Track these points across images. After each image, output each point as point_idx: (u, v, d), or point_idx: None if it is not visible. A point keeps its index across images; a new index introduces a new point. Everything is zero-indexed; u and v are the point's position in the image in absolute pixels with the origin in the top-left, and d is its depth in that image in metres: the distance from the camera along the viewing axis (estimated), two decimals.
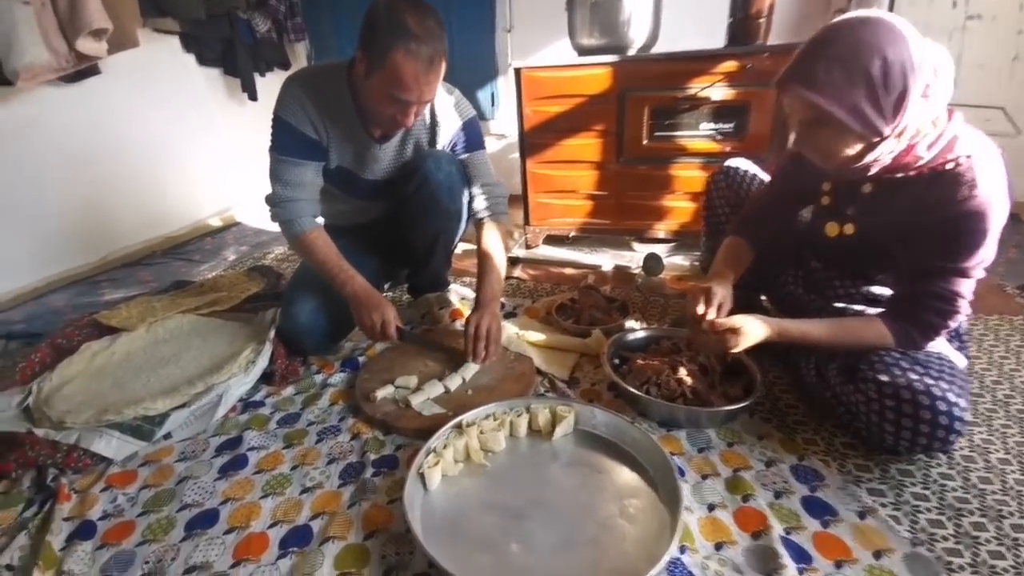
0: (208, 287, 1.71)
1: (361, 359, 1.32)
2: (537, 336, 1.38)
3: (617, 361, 1.24)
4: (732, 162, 1.35)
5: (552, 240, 2.15)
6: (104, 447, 0.99)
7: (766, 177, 1.33)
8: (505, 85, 2.73)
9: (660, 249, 1.99)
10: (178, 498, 0.90)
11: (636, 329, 1.33)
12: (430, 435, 0.98)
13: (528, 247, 2.12)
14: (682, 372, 1.14)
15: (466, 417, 1.01)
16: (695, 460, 0.97)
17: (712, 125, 1.74)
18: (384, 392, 1.14)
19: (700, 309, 1.01)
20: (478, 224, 1.36)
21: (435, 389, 1.14)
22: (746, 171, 1.34)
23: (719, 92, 1.71)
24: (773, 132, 1.74)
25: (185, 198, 2.35)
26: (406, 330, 1.27)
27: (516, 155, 2.04)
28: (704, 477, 0.93)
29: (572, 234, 2.09)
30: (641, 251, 2.05)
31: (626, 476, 0.92)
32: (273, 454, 1.01)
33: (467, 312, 1.51)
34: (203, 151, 2.44)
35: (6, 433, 0.99)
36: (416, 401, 1.10)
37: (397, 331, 1.23)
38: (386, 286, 1.70)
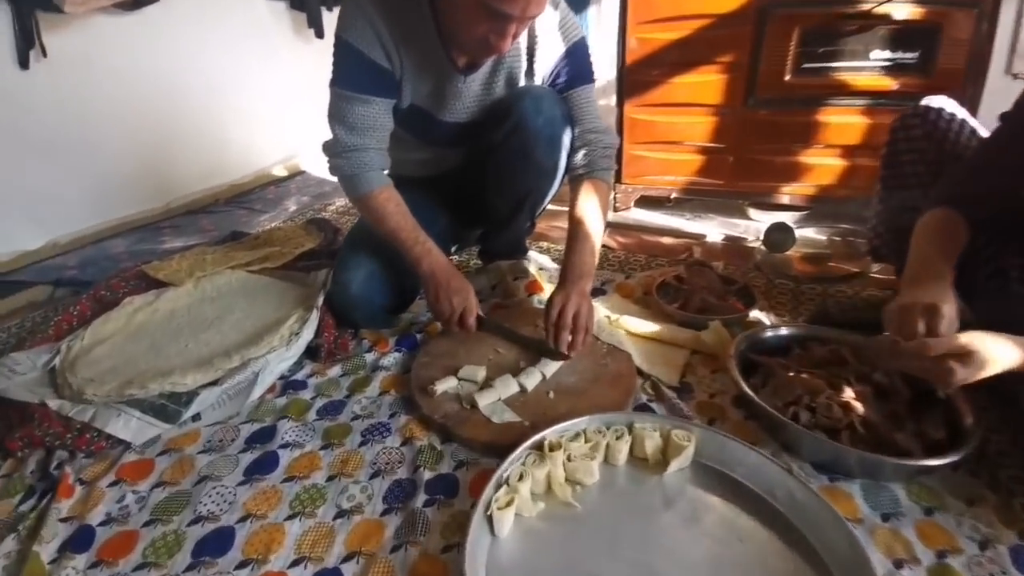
0: (263, 240, 1.55)
1: (419, 336, 1.10)
2: (637, 324, 1.09)
3: (745, 368, 0.93)
4: (932, 100, 0.95)
5: (647, 202, 1.81)
6: (122, 429, 0.85)
7: (977, 126, 0.93)
8: (599, 9, 2.32)
9: (786, 218, 1.60)
10: (192, 505, 0.73)
11: (775, 325, 1.01)
12: (499, 450, 0.74)
13: (617, 209, 1.80)
14: (848, 394, 0.83)
15: (549, 435, 0.76)
16: (880, 533, 0.67)
17: (887, 54, 1.30)
18: (445, 385, 0.91)
19: (920, 329, 0.67)
20: (575, 181, 1.07)
21: (508, 387, 0.89)
22: (952, 115, 0.94)
23: (902, 10, 1.26)
24: (969, 66, 1.28)
25: (248, 145, 2.22)
26: (486, 319, 1.03)
27: (609, 99, 1.69)
28: (898, 566, 0.63)
29: (673, 195, 1.74)
30: (759, 220, 1.67)
31: (782, 555, 0.64)
32: (308, 456, 0.81)
33: (546, 286, 1.25)
34: (267, 93, 2.29)
35: (19, 403, 0.87)
36: (484, 402, 0.86)
37: (477, 319, 0.99)
38: (452, 248, 1.46)
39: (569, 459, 0.74)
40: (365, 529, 0.69)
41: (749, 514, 0.69)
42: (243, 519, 0.71)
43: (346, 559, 0.65)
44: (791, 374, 0.88)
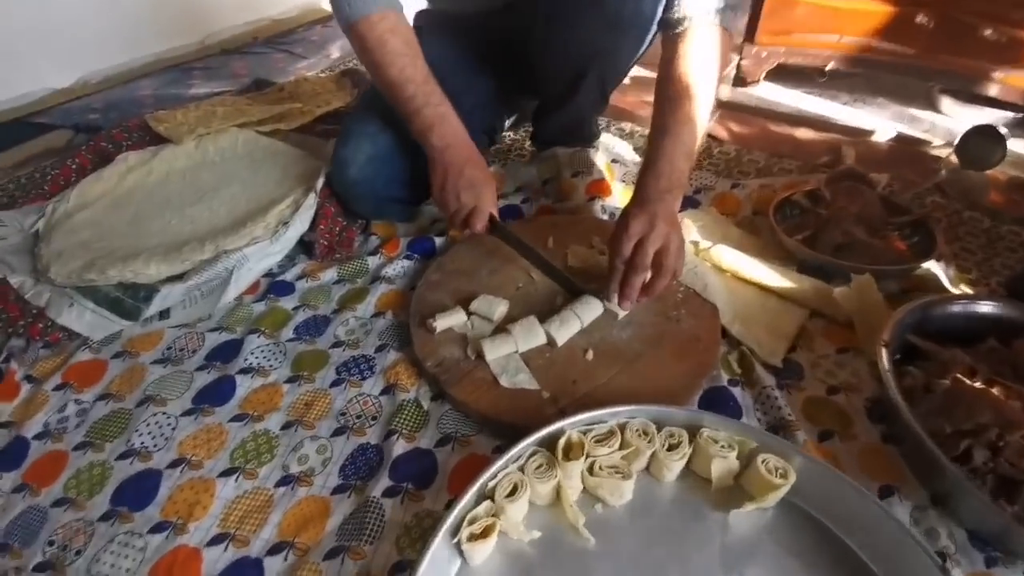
0: (287, 93, 1.31)
1: (438, 241, 0.86)
2: (737, 261, 0.76)
3: (900, 355, 0.61)
4: None
5: (786, 75, 1.31)
6: (75, 321, 0.72)
7: None
8: None
9: (995, 119, 1.08)
10: (128, 433, 0.61)
11: (964, 296, 0.65)
12: (501, 427, 0.54)
13: (739, 82, 1.32)
14: None
15: (569, 429, 0.52)
16: None
17: None
18: (450, 319, 0.68)
19: None
20: (671, 36, 0.69)
21: (532, 336, 0.65)
22: None
23: None
24: None
25: None
26: (502, 225, 0.75)
27: None
28: None
29: (829, 67, 1.22)
30: (954, 116, 1.15)
31: None
32: (270, 389, 0.65)
33: (616, 187, 0.93)
34: None
35: None
36: (493, 354, 0.63)
37: (490, 222, 0.72)
38: (507, 122, 1.13)
39: (592, 471, 0.51)
40: (308, 510, 0.53)
41: None
42: (175, 464, 0.58)
43: (274, 549, 0.50)
44: (977, 384, 0.55)
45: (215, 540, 0.51)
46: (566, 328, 0.65)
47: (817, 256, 0.76)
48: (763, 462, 0.50)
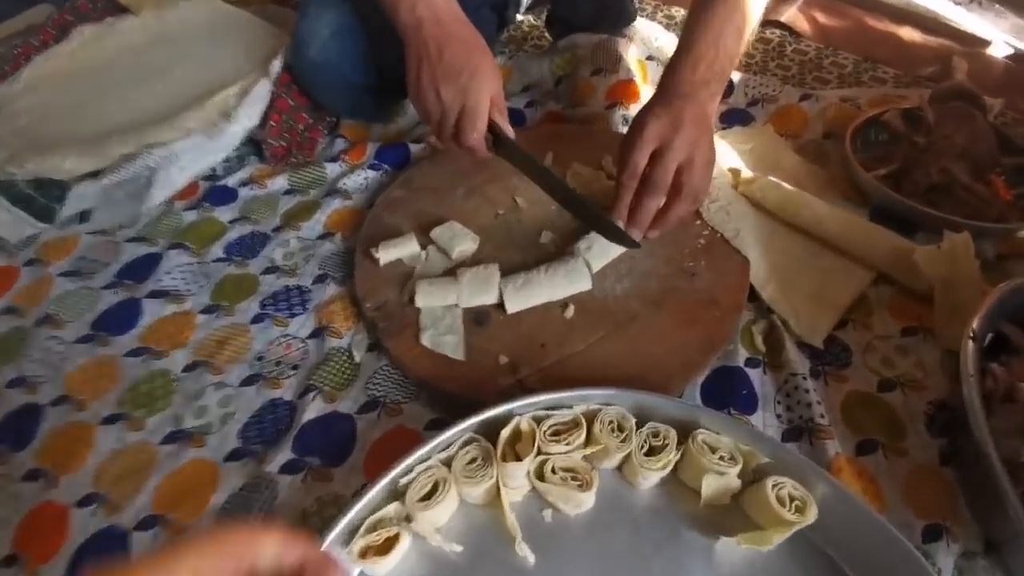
0: None
1: (414, 149, 0.69)
2: (788, 200, 0.57)
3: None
4: None
5: None
6: None
7: None
8: None
9: None
10: (20, 358, 0.52)
11: None
12: (442, 398, 0.41)
13: None
14: None
15: (523, 410, 0.39)
16: None
17: None
18: (399, 249, 0.55)
19: None
20: None
21: (482, 291, 0.50)
22: None
23: None
24: None
25: None
26: (506, 139, 0.55)
27: None
28: None
29: None
30: None
31: None
32: (181, 319, 0.54)
33: (648, 94, 0.72)
34: None
35: None
36: (428, 301, 0.50)
37: (491, 136, 0.54)
38: (524, 2, 0.90)
39: (542, 474, 0.39)
40: (192, 476, 0.44)
41: None
42: (58, 401, 0.49)
43: (145, 522, 0.41)
44: None
45: (85, 500, 0.43)
46: (526, 294, 0.50)
47: (901, 200, 0.56)
48: (775, 487, 0.36)
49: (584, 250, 0.51)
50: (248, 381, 0.49)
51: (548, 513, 0.40)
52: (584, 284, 0.50)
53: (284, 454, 0.43)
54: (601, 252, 0.51)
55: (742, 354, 0.48)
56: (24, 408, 0.49)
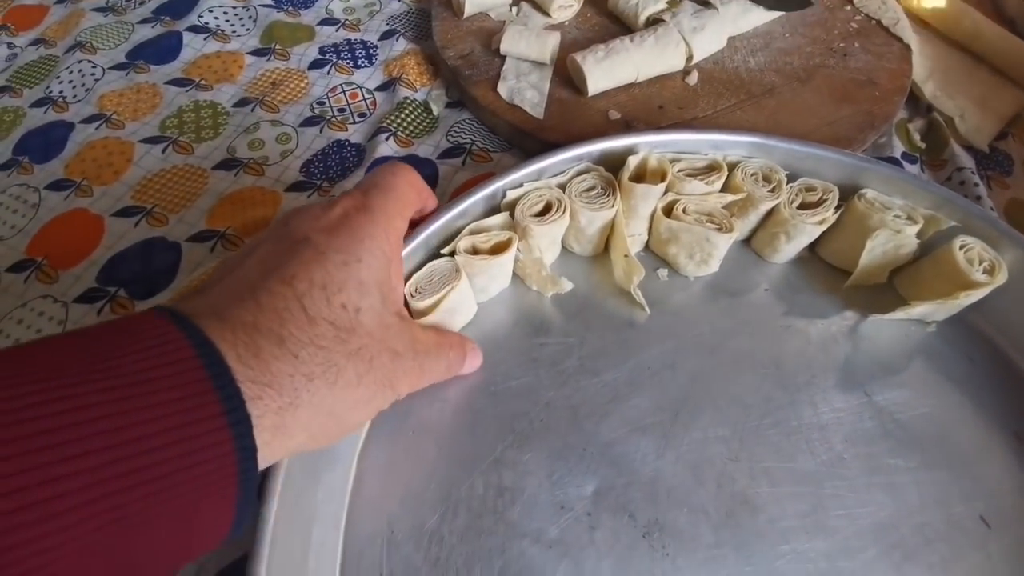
0: None
1: None
2: (946, 3, 0.48)
3: None
4: None
5: None
6: None
7: None
8: None
9: None
10: (49, 80, 0.45)
11: None
12: (541, 150, 0.33)
13: None
14: None
15: (649, 147, 0.32)
16: None
17: None
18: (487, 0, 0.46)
19: None
20: None
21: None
22: None
23: None
24: None
25: None
26: None
27: None
28: None
29: None
30: None
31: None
32: (226, 57, 0.47)
33: None
34: None
35: None
36: (514, 47, 0.41)
37: None
38: None
39: (671, 212, 0.32)
40: (250, 199, 0.37)
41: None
42: (91, 119, 0.42)
43: (199, 236, 0.36)
44: None
45: (124, 212, 0.37)
46: (608, 66, 0.40)
47: None
48: (963, 248, 0.30)
49: (688, 29, 0.42)
50: (309, 122, 0.42)
51: (664, 273, 0.34)
52: (678, 62, 0.41)
53: (356, 179, 0.37)
54: (711, 37, 0.42)
55: (898, 147, 0.40)
56: (54, 124, 0.42)
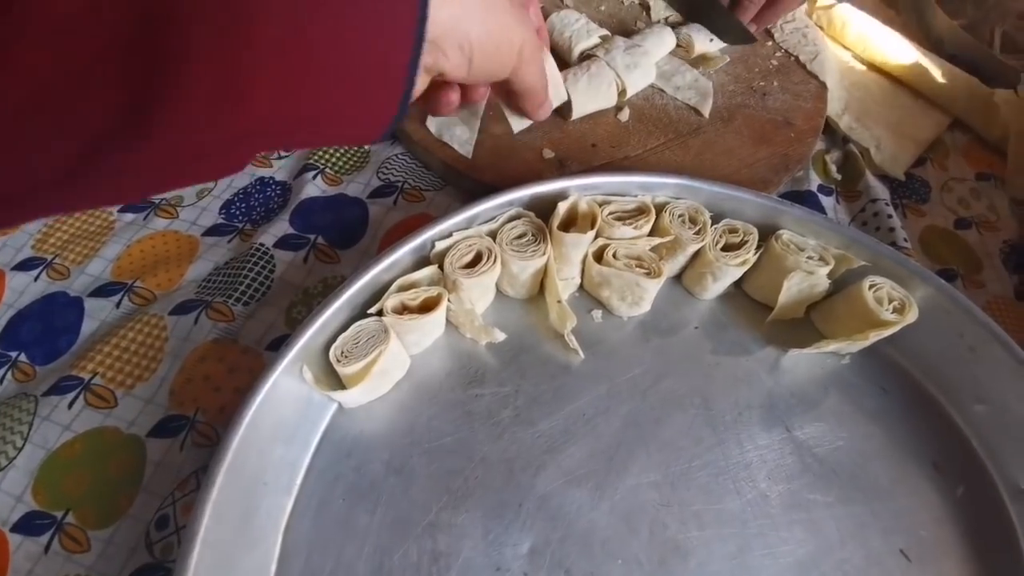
0: None
1: None
2: (869, 32, 0.51)
3: None
4: None
5: None
6: None
7: None
8: None
9: None
10: None
11: None
12: (476, 190, 0.33)
13: None
14: None
15: (580, 191, 0.33)
16: None
17: None
18: None
19: None
20: None
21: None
22: None
23: None
24: None
25: None
26: None
27: None
28: None
29: None
30: None
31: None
32: None
33: None
34: None
35: None
36: None
37: None
38: None
39: (601, 258, 0.32)
40: (164, 248, 0.35)
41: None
42: None
43: (102, 291, 0.33)
44: None
45: (24, 265, 0.34)
46: (594, 87, 0.41)
47: (980, 48, 0.50)
48: (872, 288, 0.31)
49: (622, 67, 0.42)
50: None
51: (598, 314, 0.34)
52: (610, 100, 0.42)
53: (281, 227, 0.35)
54: (644, 73, 0.43)
55: (814, 180, 0.42)
56: None
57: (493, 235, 0.31)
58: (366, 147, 0.41)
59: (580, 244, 0.31)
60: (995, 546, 0.29)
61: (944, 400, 0.33)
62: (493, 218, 0.32)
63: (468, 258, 0.30)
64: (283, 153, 0.41)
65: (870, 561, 0.28)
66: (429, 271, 0.30)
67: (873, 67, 0.51)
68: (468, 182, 0.38)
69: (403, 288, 0.29)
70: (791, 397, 0.32)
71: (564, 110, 0.41)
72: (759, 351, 0.34)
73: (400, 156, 0.41)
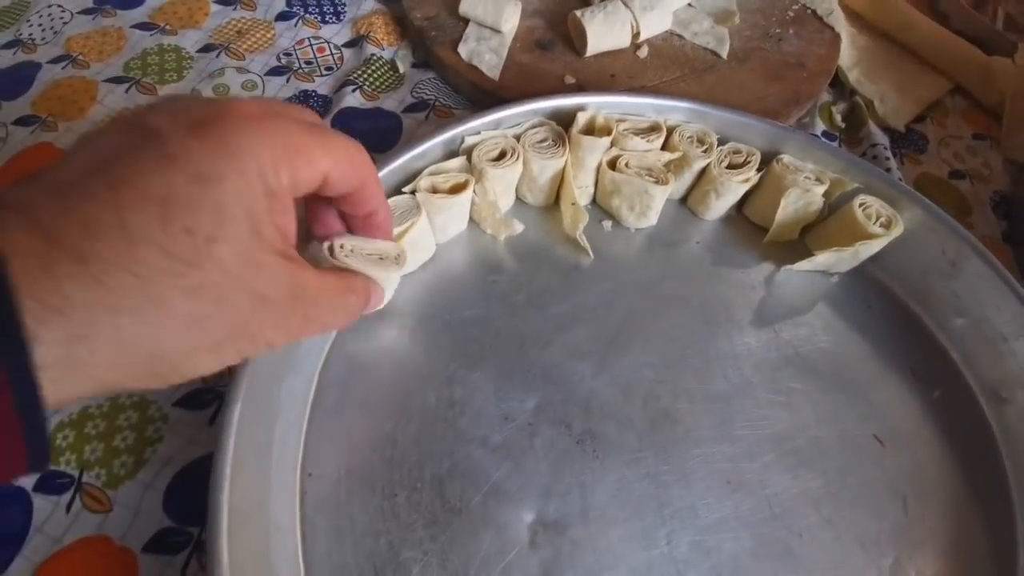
0: None
1: None
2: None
3: None
4: None
5: None
6: None
7: None
8: None
9: None
10: (19, 23, 0.45)
11: None
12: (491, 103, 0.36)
13: None
14: None
15: (598, 107, 0.36)
16: None
17: None
18: None
19: None
20: None
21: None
22: None
23: None
24: None
25: None
26: None
27: None
28: None
29: None
30: None
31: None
32: (191, 3, 0.47)
33: None
34: None
35: None
36: (473, 8, 0.44)
37: None
38: None
39: (615, 166, 0.35)
40: None
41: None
42: (58, 59, 0.42)
43: None
44: None
45: None
46: (609, 24, 0.44)
47: (982, 21, 0.52)
48: (862, 206, 0.34)
49: (639, 8, 0.45)
50: (275, 72, 0.43)
51: (608, 224, 0.37)
52: (623, 40, 0.44)
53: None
54: (659, 17, 0.45)
55: (819, 127, 0.45)
56: (22, 64, 0.42)
57: (517, 138, 0.34)
58: (400, 70, 0.44)
59: (596, 149, 0.34)
60: (971, 440, 0.32)
61: (925, 316, 0.36)
62: (518, 124, 0.35)
63: (494, 153, 0.33)
64: (325, 71, 0.44)
65: (844, 441, 0.31)
66: (458, 161, 0.33)
67: (881, 33, 0.53)
68: (495, 101, 0.41)
69: (434, 174, 0.32)
70: (782, 307, 0.35)
71: (579, 45, 0.44)
72: (755, 266, 0.37)
73: (432, 80, 0.44)
